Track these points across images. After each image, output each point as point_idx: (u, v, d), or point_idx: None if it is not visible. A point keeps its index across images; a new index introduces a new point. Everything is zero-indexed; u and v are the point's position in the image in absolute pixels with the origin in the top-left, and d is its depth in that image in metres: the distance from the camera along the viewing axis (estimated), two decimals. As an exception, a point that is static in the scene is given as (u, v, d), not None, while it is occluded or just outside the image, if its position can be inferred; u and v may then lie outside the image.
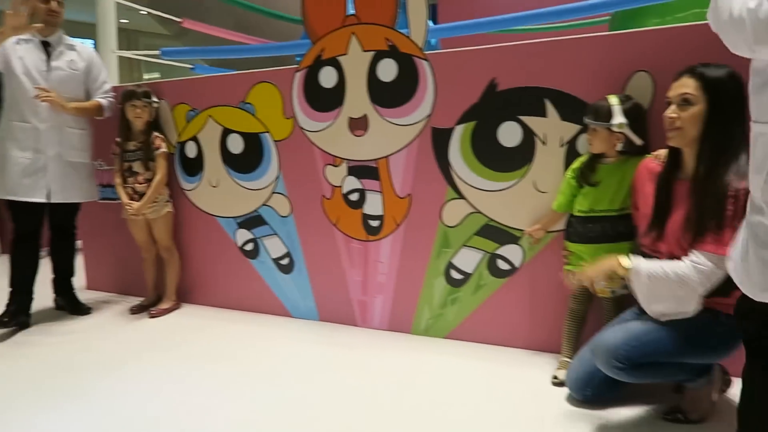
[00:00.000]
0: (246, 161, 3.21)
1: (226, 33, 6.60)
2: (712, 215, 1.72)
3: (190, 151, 3.37)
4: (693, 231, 1.77)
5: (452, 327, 2.82)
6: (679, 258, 1.83)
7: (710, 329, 1.84)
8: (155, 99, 3.31)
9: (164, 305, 3.40)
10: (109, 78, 3.43)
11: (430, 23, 4.52)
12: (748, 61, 1.71)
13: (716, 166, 1.74)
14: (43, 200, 3.10)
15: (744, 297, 1.31)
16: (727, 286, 1.84)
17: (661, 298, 1.84)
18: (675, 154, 1.90)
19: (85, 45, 3.36)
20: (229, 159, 3.26)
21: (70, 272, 3.48)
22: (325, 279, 3.11)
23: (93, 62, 3.30)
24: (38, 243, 3.23)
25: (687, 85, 1.79)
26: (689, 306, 1.81)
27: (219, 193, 3.34)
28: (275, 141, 3.09)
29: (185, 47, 8.15)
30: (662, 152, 2.00)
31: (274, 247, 3.23)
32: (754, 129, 1.22)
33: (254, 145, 3.16)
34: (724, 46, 2.02)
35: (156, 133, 3.28)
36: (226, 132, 3.23)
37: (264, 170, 3.16)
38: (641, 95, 2.21)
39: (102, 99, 3.30)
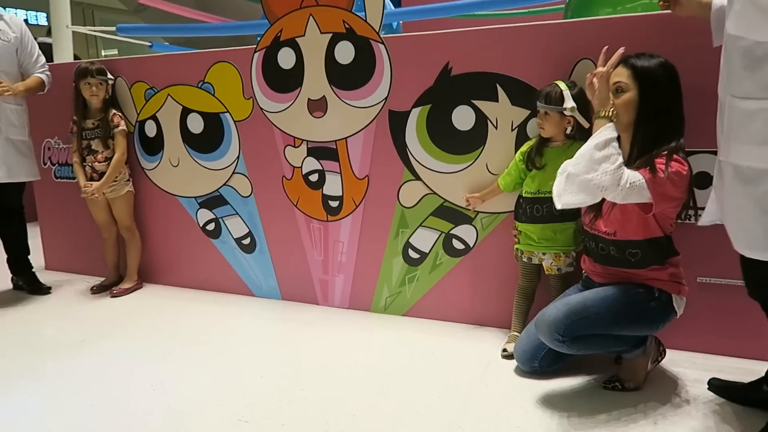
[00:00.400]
0: (206, 141, 3.21)
1: (185, 10, 6.48)
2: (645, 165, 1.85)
3: (150, 129, 3.35)
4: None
5: (410, 305, 2.91)
6: (614, 234, 1.98)
7: (645, 304, 1.97)
8: (110, 76, 3.27)
9: (126, 285, 3.40)
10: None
11: (390, 6, 4.55)
12: (682, 53, 1.86)
13: (649, 151, 1.87)
14: None
15: (751, 268, 1.55)
16: (664, 253, 1.97)
17: (584, 157, 1.85)
18: None
19: (12, 15, 3.26)
20: (190, 138, 3.25)
21: (25, 251, 3.42)
22: (286, 258, 3.16)
23: (25, 34, 3.20)
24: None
25: (620, 74, 1.93)
26: (577, 192, 1.83)
27: (180, 173, 3.33)
28: (235, 121, 3.10)
29: (143, 24, 7.97)
30: None
31: (235, 227, 3.25)
32: (755, 105, 1.49)
33: (214, 125, 3.16)
34: (663, 37, 2.16)
35: (114, 111, 3.25)
36: (186, 111, 3.22)
37: (225, 150, 3.17)
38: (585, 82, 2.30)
39: (42, 75, 3.23)
